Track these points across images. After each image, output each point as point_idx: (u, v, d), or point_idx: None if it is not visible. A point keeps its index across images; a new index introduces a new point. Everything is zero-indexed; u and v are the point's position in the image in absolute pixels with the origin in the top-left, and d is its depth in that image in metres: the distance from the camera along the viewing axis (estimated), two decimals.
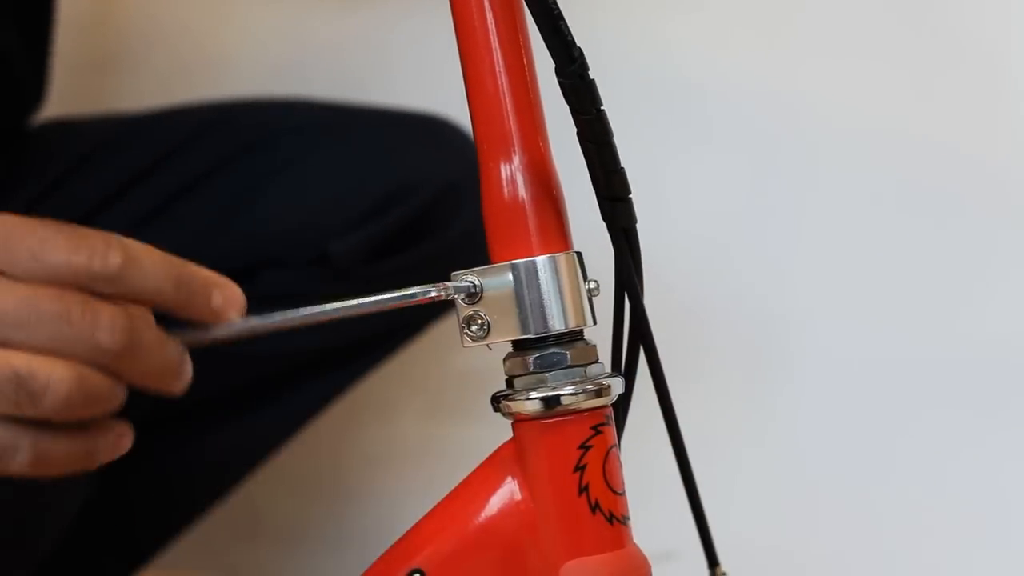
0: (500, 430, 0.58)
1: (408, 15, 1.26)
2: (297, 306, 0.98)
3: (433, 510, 0.57)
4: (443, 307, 1.06)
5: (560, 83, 0.53)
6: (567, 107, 0.54)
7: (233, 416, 1.03)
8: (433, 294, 0.55)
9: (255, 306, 0.98)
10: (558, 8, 0.52)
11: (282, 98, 1.09)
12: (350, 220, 0.97)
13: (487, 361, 0.60)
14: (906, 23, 1.16)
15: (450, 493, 0.57)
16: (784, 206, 1.20)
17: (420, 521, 0.57)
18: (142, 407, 1.01)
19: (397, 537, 0.58)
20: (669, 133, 1.20)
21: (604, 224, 0.57)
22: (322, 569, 1.30)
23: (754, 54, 1.19)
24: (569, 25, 0.52)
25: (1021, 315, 1.16)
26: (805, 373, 1.20)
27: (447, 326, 1.09)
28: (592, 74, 0.53)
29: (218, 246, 0.97)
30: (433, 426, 1.29)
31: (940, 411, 1.17)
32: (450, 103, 0.87)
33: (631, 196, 0.55)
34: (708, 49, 1.20)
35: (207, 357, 0.98)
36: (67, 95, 1.22)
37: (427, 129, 1.01)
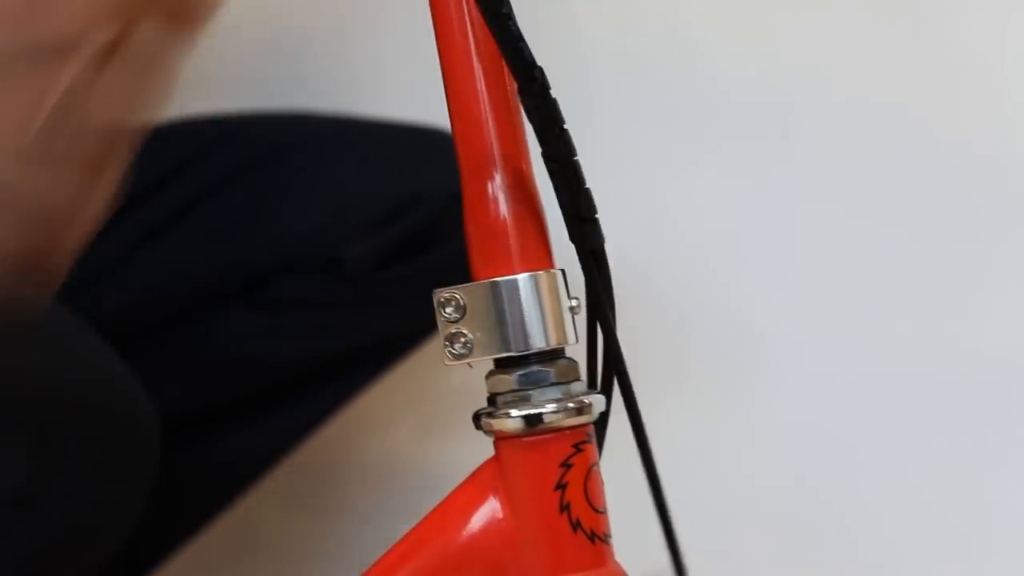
0: None
1: (410, 32, 1.26)
2: (309, 311, 1.01)
3: (414, 528, 0.57)
4: None
5: (522, 103, 0.53)
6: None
7: (247, 420, 1.05)
8: None
9: (268, 311, 1.00)
10: (517, 28, 0.52)
11: (290, 111, 1.11)
12: (361, 228, 1.00)
13: (484, 377, 0.60)
14: (903, 34, 1.16)
15: (431, 512, 0.57)
16: (769, 216, 1.20)
17: (401, 540, 0.57)
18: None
19: None
20: (656, 143, 1.20)
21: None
22: None
23: (743, 66, 1.19)
24: (525, 34, 0.52)
25: (1010, 327, 1.16)
26: (788, 384, 1.20)
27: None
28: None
29: (231, 253, 1.00)
30: (429, 442, 1.29)
31: (927, 425, 1.17)
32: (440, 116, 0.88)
33: (598, 216, 0.55)
34: (696, 61, 1.20)
35: (221, 363, 1.00)
36: None
37: (435, 142, 1.04)
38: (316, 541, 1.31)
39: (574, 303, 0.56)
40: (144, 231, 0.99)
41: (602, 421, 0.58)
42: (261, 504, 1.20)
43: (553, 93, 0.53)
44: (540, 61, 0.53)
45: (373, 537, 1.29)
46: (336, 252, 0.99)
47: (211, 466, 1.06)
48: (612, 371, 0.58)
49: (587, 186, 0.55)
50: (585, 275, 0.56)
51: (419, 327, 1.06)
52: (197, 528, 1.09)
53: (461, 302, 0.56)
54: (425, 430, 1.30)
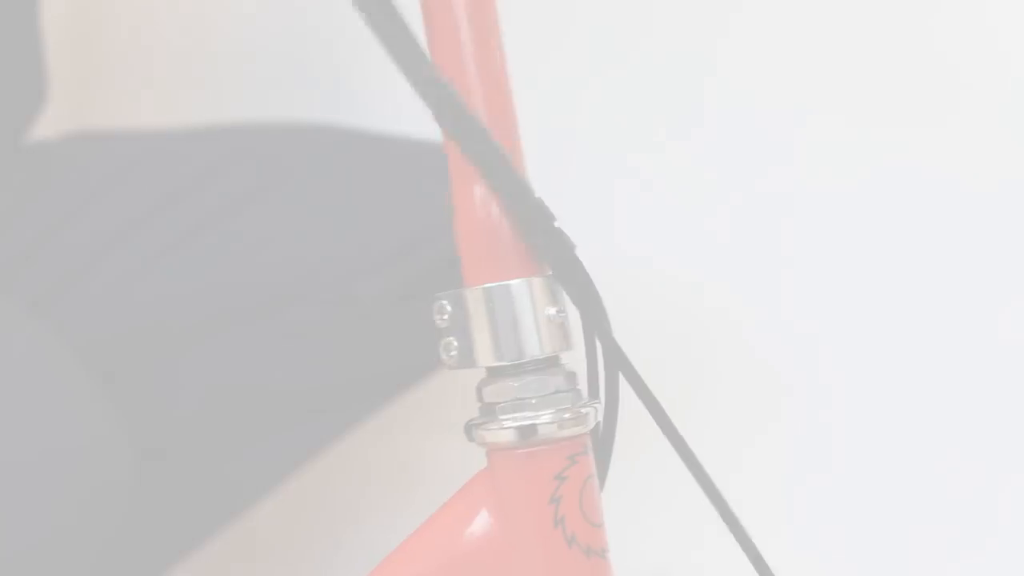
0: None
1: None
2: (324, 342, 1.00)
3: (402, 544, 0.55)
4: None
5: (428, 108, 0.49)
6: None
7: (249, 444, 1.04)
8: None
9: (279, 338, 0.99)
10: (403, 20, 0.48)
11: (309, 124, 1.09)
12: (377, 261, 0.98)
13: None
14: (906, 33, 1.15)
15: (421, 526, 0.55)
16: (772, 219, 1.18)
17: (388, 556, 0.55)
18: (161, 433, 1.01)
19: None
20: (665, 146, 1.19)
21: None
22: None
23: (743, 66, 1.17)
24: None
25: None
26: (795, 388, 1.19)
27: None
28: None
29: (245, 277, 0.98)
30: (435, 443, 1.27)
31: (943, 427, 1.16)
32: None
33: (557, 224, 0.52)
34: (700, 75, 1.18)
35: (228, 388, 0.99)
36: (66, 111, 1.21)
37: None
38: (316, 543, 1.31)
39: (555, 310, 0.54)
40: (154, 250, 0.98)
41: (609, 429, 0.56)
42: (261, 506, 1.19)
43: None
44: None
45: (374, 539, 1.28)
46: (352, 284, 0.98)
47: (214, 487, 1.05)
48: (616, 377, 0.55)
49: (537, 197, 0.51)
50: (562, 285, 0.53)
51: (432, 361, 1.05)
52: (199, 542, 1.08)
53: (449, 308, 0.54)
54: (430, 430, 1.28)
